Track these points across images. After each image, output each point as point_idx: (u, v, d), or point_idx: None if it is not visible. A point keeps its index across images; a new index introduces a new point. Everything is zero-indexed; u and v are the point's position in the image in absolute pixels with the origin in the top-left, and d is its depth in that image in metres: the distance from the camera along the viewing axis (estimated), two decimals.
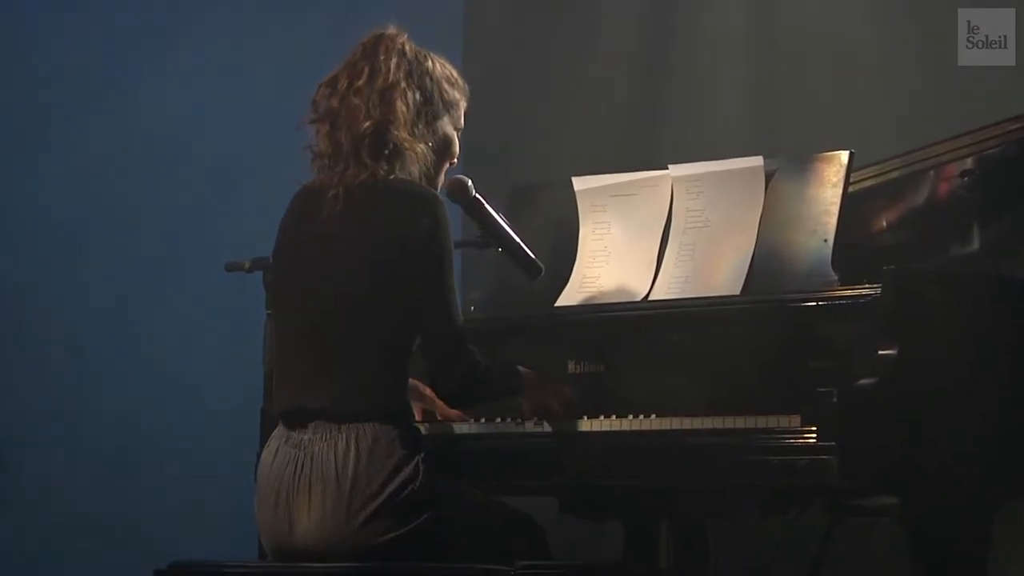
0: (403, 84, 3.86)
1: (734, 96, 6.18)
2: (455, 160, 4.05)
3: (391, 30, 3.94)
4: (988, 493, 3.91)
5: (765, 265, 4.05)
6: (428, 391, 4.04)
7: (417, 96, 3.89)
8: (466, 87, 4.04)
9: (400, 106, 3.84)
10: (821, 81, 6.03)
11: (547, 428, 4.04)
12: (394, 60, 3.88)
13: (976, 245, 4.28)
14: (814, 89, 6.00)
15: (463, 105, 4.03)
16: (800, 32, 6.19)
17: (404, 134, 3.84)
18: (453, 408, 4.10)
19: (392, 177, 3.82)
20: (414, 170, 3.86)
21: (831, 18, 6.11)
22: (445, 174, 4.04)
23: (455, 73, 4.02)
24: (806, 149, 4.20)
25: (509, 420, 4.10)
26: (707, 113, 6.16)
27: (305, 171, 3.91)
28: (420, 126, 3.89)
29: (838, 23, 6.09)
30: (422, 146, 3.88)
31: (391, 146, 3.82)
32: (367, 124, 3.81)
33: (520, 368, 4.01)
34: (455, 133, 4.01)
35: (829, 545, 4.37)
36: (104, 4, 6.10)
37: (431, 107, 3.92)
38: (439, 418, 4.16)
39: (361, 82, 3.85)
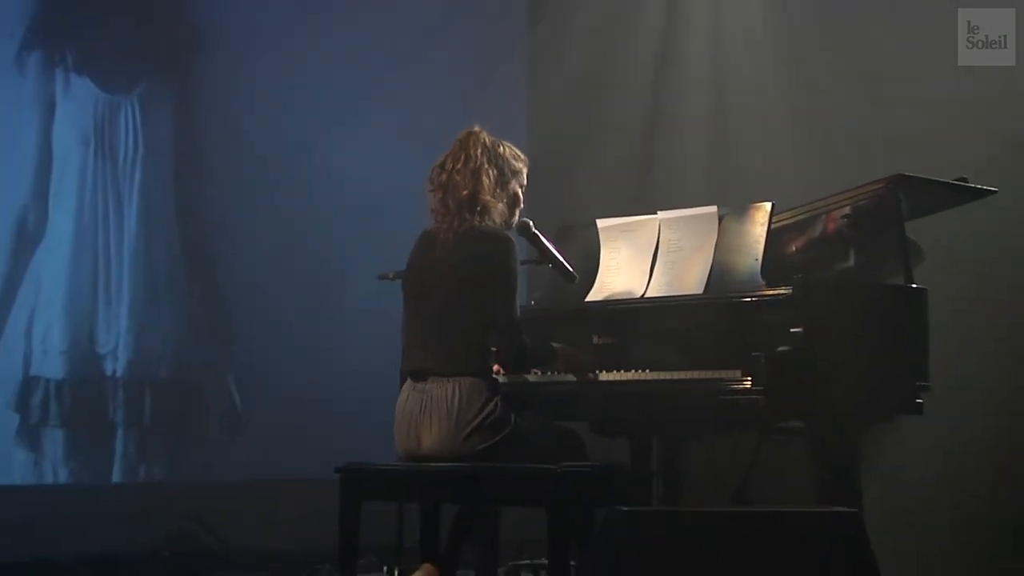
0: (485, 165, 3.82)
1: (699, 167, 6.15)
2: (522, 204, 3.98)
3: (476, 128, 3.90)
4: (858, 420, 3.90)
5: (718, 275, 4.00)
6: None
7: (494, 172, 3.83)
8: (526, 158, 3.96)
9: (484, 180, 3.80)
10: (755, 157, 6.00)
11: (580, 379, 4.03)
12: (479, 150, 3.84)
13: (852, 262, 4.23)
14: (749, 164, 5.96)
15: (525, 171, 3.94)
16: (744, 120, 6.16)
17: (488, 197, 3.81)
18: (508, 374, 4.08)
19: (481, 224, 3.80)
20: (496, 219, 3.83)
21: (767, 110, 6.06)
22: (518, 214, 3.98)
23: (518, 151, 3.94)
24: (744, 200, 4.17)
25: (555, 373, 4.07)
26: (681, 177, 6.12)
27: (426, 216, 3.90)
28: (498, 190, 3.84)
29: (770, 112, 6.04)
30: (500, 204, 3.85)
31: (480, 206, 3.80)
32: (464, 192, 3.79)
33: (555, 345, 3.96)
34: (520, 189, 3.94)
35: (759, 454, 4.35)
36: (305, 97, 6.13)
37: (504, 177, 3.86)
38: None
39: (459, 165, 3.82)
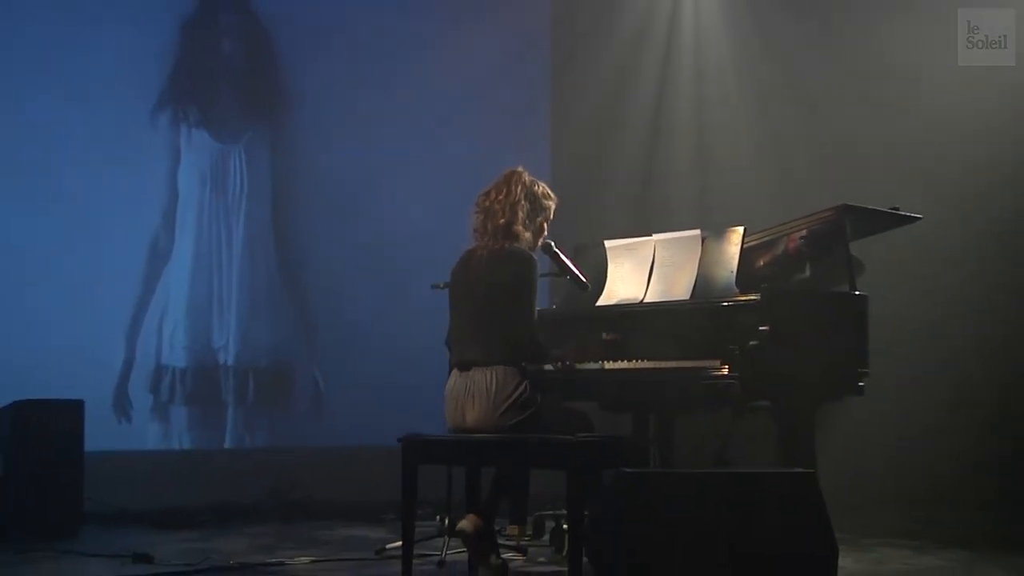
0: (522, 200, 3.77)
1: (687, 198, 6.14)
2: (545, 234, 3.90)
3: (519, 168, 3.85)
4: (813, 398, 3.84)
5: (702, 284, 3.98)
6: None
7: (527, 205, 3.78)
8: (556, 198, 3.88)
9: (519, 212, 3.76)
10: (729, 191, 5.96)
11: (590, 367, 4.00)
12: (519, 187, 3.78)
13: (808, 274, 4.20)
14: (725, 200, 5.93)
15: (552, 208, 3.86)
16: (725, 156, 6.13)
17: (519, 227, 3.76)
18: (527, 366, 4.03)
19: (510, 247, 3.75)
20: (522, 244, 3.78)
21: (740, 155, 6.02)
22: (540, 242, 3.89)
23: (549, 191, 3.87)
24: (722, 224, 4.13)
25: (571, 363, 4.00)
26: (672, 207, 6.11)
27: (466, 239, 3.86)
28: (528, 221, 3.79)
29: (743, 156, 6.01)
30: (528, 233, 3.79)
31: (512, 232, 3.76)
32: (502, 220, 3.75)
33: (558, 352, 3.90)
34: (546, 223, 3.86)
35: (734, 426, 4.30)
36: (374, 145, 6.15)
37: (534, 211, 3.80)
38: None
39: (501, 196, 3.78)
